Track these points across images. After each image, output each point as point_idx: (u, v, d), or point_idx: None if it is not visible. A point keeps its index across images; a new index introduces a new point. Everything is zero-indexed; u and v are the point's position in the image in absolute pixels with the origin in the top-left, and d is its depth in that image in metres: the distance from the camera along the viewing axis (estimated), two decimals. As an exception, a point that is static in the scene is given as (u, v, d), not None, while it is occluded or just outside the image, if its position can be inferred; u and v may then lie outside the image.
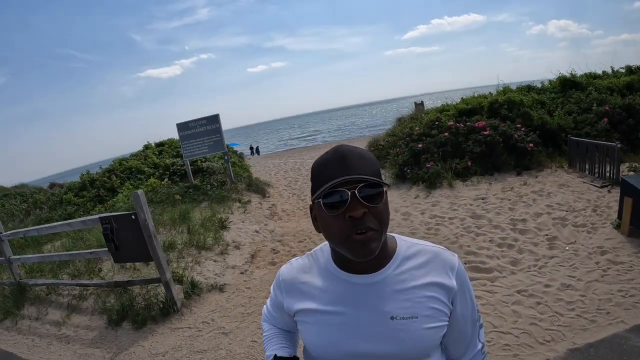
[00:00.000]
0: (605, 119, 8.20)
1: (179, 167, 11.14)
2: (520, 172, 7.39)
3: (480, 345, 1.06)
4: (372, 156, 0.93)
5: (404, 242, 1.02)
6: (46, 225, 5.32)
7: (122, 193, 9.82)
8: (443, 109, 10.20)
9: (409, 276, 0.95)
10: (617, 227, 4.66)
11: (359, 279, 0.96)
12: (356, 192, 0.83)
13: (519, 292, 3.75)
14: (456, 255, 1.01)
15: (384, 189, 0.88)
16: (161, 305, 4.38)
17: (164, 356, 3.67)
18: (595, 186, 6.20)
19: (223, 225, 6.83)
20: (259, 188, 10.35)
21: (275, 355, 1.07)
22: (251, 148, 34.80)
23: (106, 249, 4.42)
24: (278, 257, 5.77)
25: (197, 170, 10.82)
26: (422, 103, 13.88)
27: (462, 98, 10.64)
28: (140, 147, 13.60)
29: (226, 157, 10.17)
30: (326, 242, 1.00)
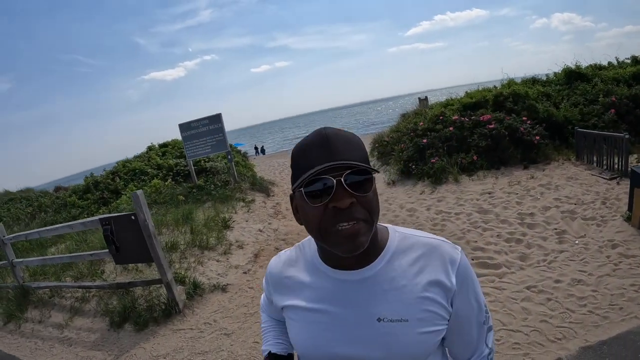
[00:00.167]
0: (612, 110, 8.05)
1: (182, 168, 11.11)
2: (527, 166, 7.26)
3: (487, 351, 0.94)
4: (359, 140, 0.82)
5: (396, 234, 0.90)
6: (47, 227, 5.29)
7: (125, 195, 9.81)
8: (447, 104, 10.08)
9: (400, 273, 0.84)
10: (628, 219, 4.54)
11: (345, 275, 0.86)
12: (342, 179, 0.73)
13: (528, 288, 3.65)
14: (459, 248, 0.88)
15: (373, 176, 0.78)
16: (163, 307, 4.32)
17: (164, 358, 3.61)
18: (604, 178, 6.07)
19: (226, 225, 6.78)
20: (263, 187, 10.29)
21: (270, 352, 1.04)
22: (255, 148, 34.72)
23: (107, 250, 4.37)
24: (281, 256, 5.68)
25: (200, 170, 10.78)
26: (426, 98, 13.75)
27: (466, 92, 10.50)
28: (145, 149, 13.60)
29: (229, 157, 10.11)
30: None
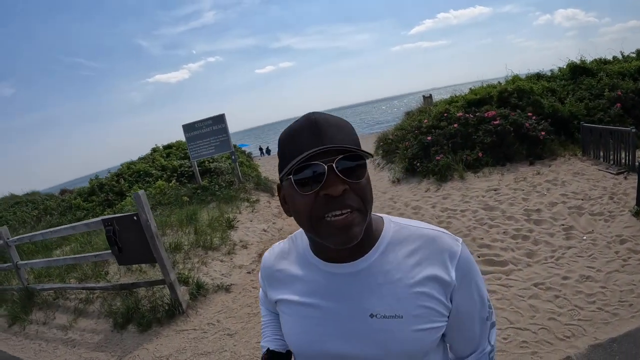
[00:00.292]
0: (618, 104, 7.97)
1: (186, 169, 11.12)
2: (532, 162, 7.18)
3: (489, 348, 0.89)
4: (350, 125, 0.78)
5: (392, 224, 0.85)
6: (50, 229, 5.30)
7: (130, 196, 9.83)
8: (452, 101, 10.02)
9: (395, 266, 0.79)
10: (636, 214, 4.46)
11: (336, 268, 0.81)
12: (334, 165, 0.68)
13: (535, 285, 3.58)
14: (459, 240, 0.82)
15: (366, 161, 0.73)
16: (166, 307, 4.30)
17: (167, 359, 3.59)
18: (611, 173, 5.99)
19: (230, 225, 6.76)
20: (268, 187, 10.27)
21: (268, 349, 1.03)
22: (260, 149, 34.77)
23: (110, 251, 4.36)
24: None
25: (205, 171, 10.78)
26: (430, 96, 13.67)
27: (470, 89, 10.43)
28: (149, 151, 13.64)
29: (233, 157, 10.09)
30: None
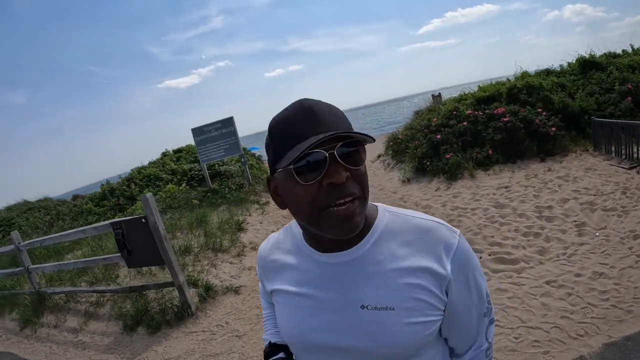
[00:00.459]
0: (629, 98, 7.81)
1: (196, 172, 11.18)
2: (543, 158, 7.08)
3: (486, 345, 0.85)
4: (342, 111, 0.75)
5: (386, 213, 0.82)
6: (60, 233, 5.36)
7: (140, 200, 9.92)
8: (461, 99, 9.92)
9: (387, 256, 0.76)
10: (651, 209, 4.37)
11: (329, 257, 0.79)
12: (335, 152, 0.66)
13: (547, 283, 3.52)
14: (457, 232, 0.79)
15: (365, 147, 0.71)
16: (175, 309, 4.31)
17: (176, 361, 3.59)
18: (623, 168, 5.88)
19: (240, 227, 6.78)
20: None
21: (270, 342, 1.03)
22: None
23: (120, 254, 4.38)
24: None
25: (215, 174, 10.83)
26: (439, 95, 13.56)
27: (479, 86, 10.33)
28: (159, 155, 13.75)
29: (243, 160, 10.12)
30: None
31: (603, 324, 2.84)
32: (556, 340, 2.78)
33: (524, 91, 8.51)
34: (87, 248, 7.14)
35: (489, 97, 8.94)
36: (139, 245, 4.21)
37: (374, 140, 0.71)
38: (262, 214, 7.81)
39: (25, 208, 15.43)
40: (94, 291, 5.09)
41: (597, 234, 4.23)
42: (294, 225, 0.90)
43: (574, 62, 10.17)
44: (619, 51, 10.56)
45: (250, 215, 7.63)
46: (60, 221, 11.96)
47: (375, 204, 0.85)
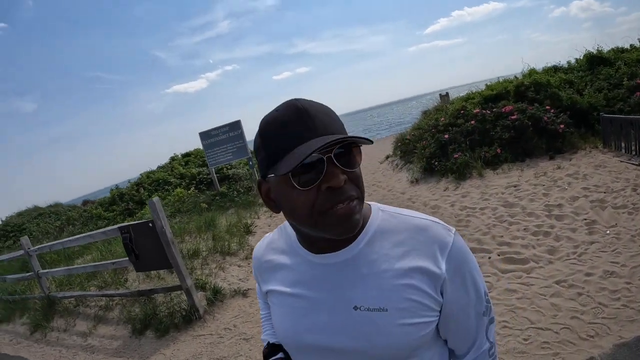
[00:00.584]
0: (638, 93, 7.68)
1: (205, 176, 11.24)
2: (552, 156, 7.00)
3: (487, 345, 0.84)
4: (333, 111, 0.73)
5: (380, 212, 0.81)
6: (69, 238, 5.42)
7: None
8: (468, 97, 9.87)
9: (381, 256, 0.75)
10: (663, 206, 4.30)
11: (321, 258, 0.78)
12: (332, 156, 0.65)
13: (557, 282, 3.46)
14: (452, 230, 0.78)
15: (360, 149, 0.70)
16: (184, 313, 4.32)
17: (184, 364, 3.60)
18: (634, 164, 5.79)
19: (248, 230, 6.81)
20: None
21: (269, 343, 1.03)
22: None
23: (128, 258, 4.41)
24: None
25: (223, 177, 10.88)
26: (447, 94, 13.49)
27: (486, 85, 10.26)
28: (168, 160, 13.85)
29: (251, 163, 10.15)
30: None
31: (614, 324, 2.78)
32: (566, 341, 2.73)
33: (531, 88, 8.44)
34: (97, 253, 7.21)
35: (497, 95, 8.88)
36: (146, 250, 4.23)
37: (372, 142, 0.69)
38: (270, 216, 7.82)
39: (36, 214, 15.62)
40: (103, 295, 5.12)
41: (608, 232, 4.17)
42: (287, 225, 0.89)
43: (581, 58, 10.07)
44: (626, 46, 10.43)
45: (258, 218, 7.66)
46: (71, 226, 12.09)
47: (369, 202, 0.84)
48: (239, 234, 6.53)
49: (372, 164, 11.28)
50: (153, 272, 5.24)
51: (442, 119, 9.00)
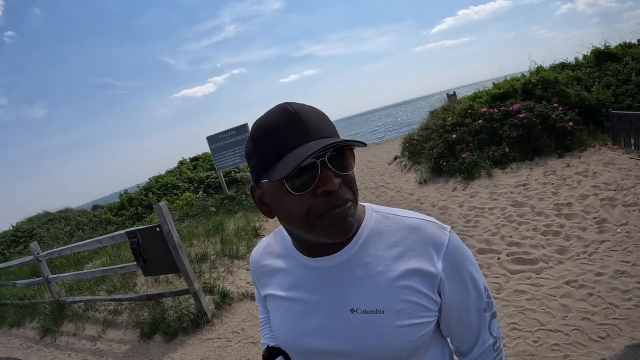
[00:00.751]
0: (646, 88, 7.62)
1: (213, 180, 11.28)
2: (561, 154, 6.92)
3: (491, 340, 0.83)
4: (326, 115, 0.73)
5: (373, 213, 0.80)
6: (78, 243, 5.46)
7: (158, 208, 10.05)
8: (475, 96, 9.78)
9: (375, 258, 0.75)
10: (675, 204, 4.23)
11: (316, 262, 0.78)
12: (326, 160, 0.65)
13: (567, 283, 3.41)
14: (447, 228, 0.77)
15: (353, 152, 0.70)
16: (192, 317, 4.33)
17: (192, 368, 3.61)
18: (644, 161, 5.72)
19: (257, 234, 6.82)
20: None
21: (268, 346, 1.03)
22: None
23: (136, 262, 4.43)
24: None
25: (231, 181, 10.90)
26: (454, 94, 13.42)
27: (493, 83, 10.18)
28: (176, 164, 13.91)
29: (258, 166, 10.18)
30: None
31: (625, 325, 2.74)
32: (576, 343, 2.69)
33: (539, 86, 8.35)
34: (106, 257, 7.27)
35: (504, 93, 8.80)
36: (154, 254, 4.25)
37: (365, 144, 0.69)
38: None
39: (46, 219, 15.77)
40: (112, 299, 5.16)
41: (618, 230, 4.10)
42: (283, 229, 0.89)
43: (589, 54, 9.97)
44: (634, 41, 10.31)
45: (266, 221, 7.66)
46: (80, 231, 12.19)
47: (363, 204, 0.83)
48: (247, 237, 6.54)
49: (380, 165, 11.25)
50: (161, 276, 5.27)
51: (450, 118, 8.93)
